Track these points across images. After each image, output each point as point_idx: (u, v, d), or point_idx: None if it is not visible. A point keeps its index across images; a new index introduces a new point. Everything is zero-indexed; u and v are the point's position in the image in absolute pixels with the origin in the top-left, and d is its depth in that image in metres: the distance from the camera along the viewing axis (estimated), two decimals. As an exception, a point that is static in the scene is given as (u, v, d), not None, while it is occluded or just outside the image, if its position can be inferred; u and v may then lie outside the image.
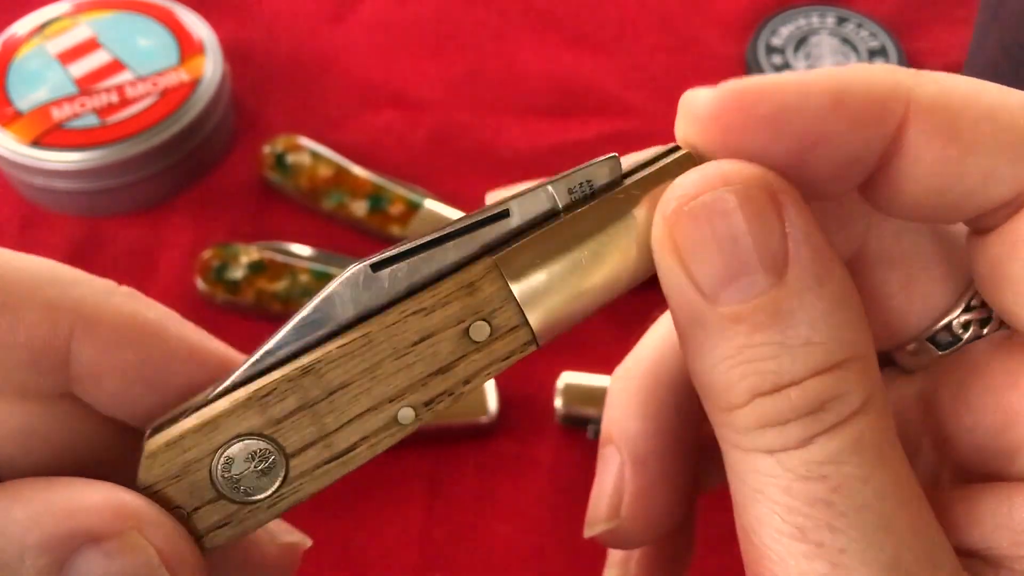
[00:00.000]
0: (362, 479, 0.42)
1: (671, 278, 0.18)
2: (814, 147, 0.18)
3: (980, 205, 0.18)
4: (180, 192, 0.50)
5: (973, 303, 0.21)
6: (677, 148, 0.19)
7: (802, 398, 0.17)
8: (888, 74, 0.18)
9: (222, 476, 0.18)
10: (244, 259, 0.46)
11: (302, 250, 0.47)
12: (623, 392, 0.24)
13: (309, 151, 0.50)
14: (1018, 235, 0.18)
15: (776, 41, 0.55)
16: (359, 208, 0.49)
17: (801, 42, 0.55)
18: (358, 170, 0.50)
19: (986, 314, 0.21)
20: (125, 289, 0.19)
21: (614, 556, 0.27)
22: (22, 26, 0.52)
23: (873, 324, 0.21)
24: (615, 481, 0.24)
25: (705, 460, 0.26)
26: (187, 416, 0.18)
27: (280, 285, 0.45)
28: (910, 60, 0.55)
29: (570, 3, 0.60)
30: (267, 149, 0.50)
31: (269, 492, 0.18)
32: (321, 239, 0.48)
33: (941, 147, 0.18)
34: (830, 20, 0.56)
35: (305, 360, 0.18)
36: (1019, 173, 0.18)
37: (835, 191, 0.19)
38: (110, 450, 0.20)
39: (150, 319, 0.19)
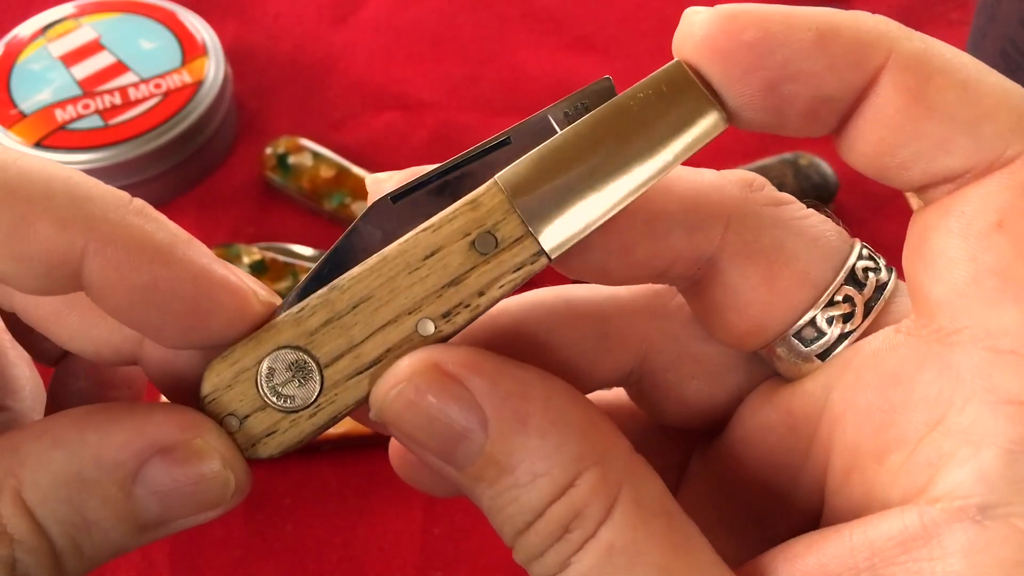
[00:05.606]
0: (362, 479, 0.42)
1: (423, 454, 0.19)
2: (793, 79, 0.18)
3: (930, 172, 0.19)
4: (182, 193, 0.51)
5: (836, 298, 0.21)
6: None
7: (547, 528, 0.18)
8: (877, 23, 0.19)
9: (266, 385, 0.20)
10: (246, 259, 0.46)
11: (304, 251, 0.47)
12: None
13: (310, 152, 0.50)
14: (950, 207, 0.18)
15: (775, 43, 0.55)
16: (360, 209, 0.49)
17: (800, 44, 0.55)
18: (359, 171, 0.50)
19: (849, 309, 0.21)
20: (138, 204, 0.19)
21: None
22: (25, 28, 0.52)
23: (737, 322, 0.21)
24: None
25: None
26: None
27: (282, 285, 0.45)
28: (909, 62, 0.55)
29: (570, 5, 0.60)
30: (269, 150, 0.51)
31: (309, 402, 0.20)
32: (322, 240, 0.49)
33: (906, 104, 0.18)
34: (829, 22, 0.56)
35: (333, 281, 0.20)
36: (974, 147, 0.18)
37: (808, 132, 0.19)
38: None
39: (160, 241, 0.19)
